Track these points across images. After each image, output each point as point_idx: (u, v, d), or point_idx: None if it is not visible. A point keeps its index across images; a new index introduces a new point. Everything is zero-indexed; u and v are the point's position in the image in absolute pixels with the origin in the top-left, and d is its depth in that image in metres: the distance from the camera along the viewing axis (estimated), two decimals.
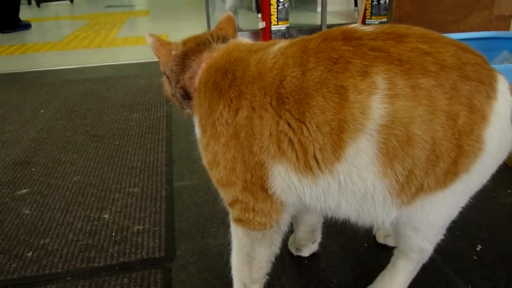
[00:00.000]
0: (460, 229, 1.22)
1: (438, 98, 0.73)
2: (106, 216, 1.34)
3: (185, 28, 4.62)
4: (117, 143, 1.87)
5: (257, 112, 0.80)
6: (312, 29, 3.49)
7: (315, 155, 0.77)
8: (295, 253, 1.15)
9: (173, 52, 0.97)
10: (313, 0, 5.23)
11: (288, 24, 3.34)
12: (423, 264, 1.07)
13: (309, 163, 0.77)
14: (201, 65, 0.93)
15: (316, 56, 0.77)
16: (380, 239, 1.19)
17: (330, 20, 3.41)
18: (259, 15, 3.28)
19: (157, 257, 1.15)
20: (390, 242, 1.16)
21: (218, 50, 0.93)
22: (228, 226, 1.26)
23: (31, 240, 1.24)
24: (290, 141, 0.78)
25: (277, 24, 3.26)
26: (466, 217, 1.26)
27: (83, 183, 1.55)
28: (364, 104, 0.73)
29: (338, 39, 0.78)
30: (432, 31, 0.81)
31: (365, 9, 3.48)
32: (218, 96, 0.84)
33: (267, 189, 0.83)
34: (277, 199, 0.84)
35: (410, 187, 0.77)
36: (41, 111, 2.32)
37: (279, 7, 3.16)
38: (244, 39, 0.98)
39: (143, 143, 1.84)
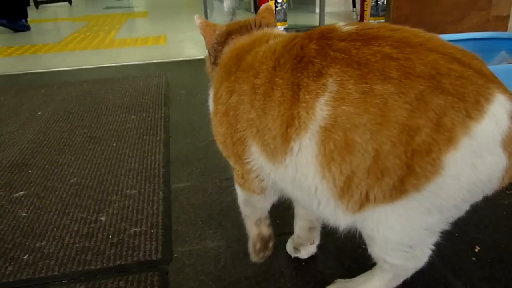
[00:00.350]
0: (458, 230, 1.21)
1: (395, 108, 0.68)
2: (103, 218, 1.34)
3: (184, 29, 4.62)
4: (114, 144, 1.86)
5: (241, 97, 0.86)
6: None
7: (269, 144, 0.82)
8: (293, 254, 1.14)
9: (217, 32, 1.04)
10: (312, 1, 5.23)
11: (286, 25, 3.34)
12: (422, 266, 1.07)
13: (269, 149, 0.83)
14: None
15: (288, 53, 0.80)
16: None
17: (328, 21, 3.41)
18: None
19: (154, 259, 1.14)
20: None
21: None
22: (226, 229, 1.26)
23: (27, 243, 1.24)
24: (256, 127, 0.83)
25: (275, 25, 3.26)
26: (464, 219, 1.25)
27: (80, 185, 1.54)
28: (310, 104, 0.74)
29: (314, 38, 0.79)
30: (425, 35, 0.76)
31: (363, 10, 3.48)
32: (227, 74, 0.93)
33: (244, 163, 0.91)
34: (256, 176, 0.92)
35: (352, 194, 0.75)
36: (39, 113, 2.31)
37: (277, 8, 3.17)
38: (276, 29, 1.05)
39: (140, 145, 1.84)
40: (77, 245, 1.22)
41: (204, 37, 1.07)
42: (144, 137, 1.92)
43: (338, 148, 0.72)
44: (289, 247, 1.15)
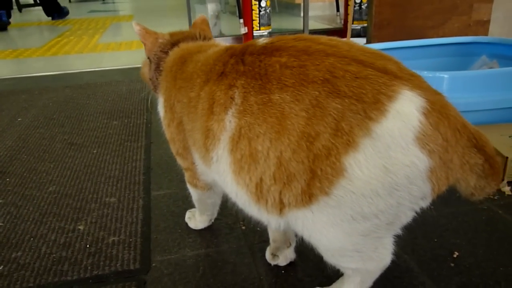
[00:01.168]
0: (438, 235, 1.22)
1: (292, 116, 0.70)
2: (81, 227, 1.32)
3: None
4: (95, 151, 1.84)
5: (182, 109, 0.96)
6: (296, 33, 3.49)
7: (200, 152, 0.90)
8: (272, 262, 1.13)
9: (160, 40, 1.11)
10: (297, 5, 5.25)
11: (270, 30, 3.35)
12: (400, 272, 1.08)
13: (202, 155, 0.90)
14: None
15: (214, 68, 0.85)
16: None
17: (312, 25, 3.42)
18: (241, 20, 3.28)
19: (132, 269, 1.13)
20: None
21: None
22: (205, 237, 1.25)
23: (2, 254, 1.21)
24: (191, 137, 0.93)
25: (259, 30, 3.26)
26: (443, 224, 1.27)
27: (59, 193, 1.52)
28: (220, 117, 0.79)
29: (235, 54, 0.83)
30: (332, 41, 0.76)
31: (347, 14, 3.50)
32: (173, 80, 1.01)
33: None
34: (202, 177, 1.07)
35: (266, 199, 0.78)
36: (19, 119, 2.28)
37: (261, 13, 3.17)
38: (220, 42, 1.10)
39: (121, 151, 1.82)
40: (54, 255, 1.19)
41: (144, 44, 1.13)
42: (126, 143, 1.90)
43: (244, 157, 0.77)
44: (268, 254, 1.14)
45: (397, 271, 1.09)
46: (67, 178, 1.62)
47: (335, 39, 0.78)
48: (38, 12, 7.71)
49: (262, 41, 0.83)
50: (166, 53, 1.09)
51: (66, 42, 4.57)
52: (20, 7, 7.70)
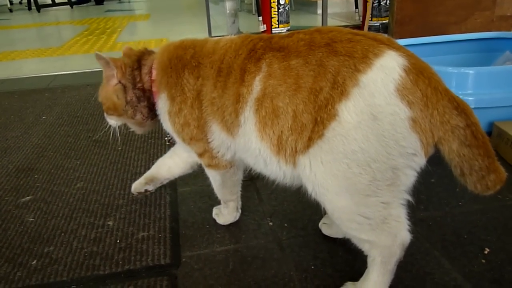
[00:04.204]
0: (467, 232, 1.21)
1: (303, 75, 0.87)
2: (111, 223, 1.34)
3: (185, 32, 4.62)
4: (120, 148, 1.86)
5: (205, 80, 1.05)
6: None
7: (227, 119, 1.01)
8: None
9: (126, 61, 1.18)
10: (313, 3, 5.23)
11: (289, 27, 3.34)
12: (431, 268, 1.07)
13: (226, 124, 1.02)
14: (153, 62, 1.16)
15: (245, 47, 1.00)
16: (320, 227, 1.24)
17: (330, 22, 3.41)
18: (260, 18, 3.28)
19: (163, 264, 1.14)
20: (326, 231, 1.22)
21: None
22: (233, 233, 1.26)
23: (35, 248, 1.24)
24: (217, 105, 1.02)
25: (278, 27, 3.26)
26: (472, 220, 1.26)
27: (87, 189, 1.54)
28: (250, 82, 0.94)
29: (263, 38, 1.00)
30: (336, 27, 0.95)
31: (365, 11, 3.48)
32: (183, 66, 1.09)
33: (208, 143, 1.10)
34: (220, 152, 1.11)
35: (285, 149, 0.92)
36: (43, 117, 2.31)
37: (279, 10, 3.17)
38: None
39: (146, 148, 1.84)
40: (85, 250, 1.22)
41: (115, 70, 1.17)
42: (149, 140, 1.92)
43: (268, 114, 0.92)
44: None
45: (428, 267, 1.08)
46: (94, 174, 1.64)
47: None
48: (56, 12, 7.82)
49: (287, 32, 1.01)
50: (139, 69, 1.18)
51: (85, 41, 4.62)
52: (39, 8, 7.81)
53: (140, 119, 1.22)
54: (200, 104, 1.07)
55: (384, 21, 3.43)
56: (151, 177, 1.42)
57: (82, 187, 1.56)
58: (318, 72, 0.85)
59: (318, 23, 4.43)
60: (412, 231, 1.22)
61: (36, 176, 1.66)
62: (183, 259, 1.16)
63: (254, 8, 5.69)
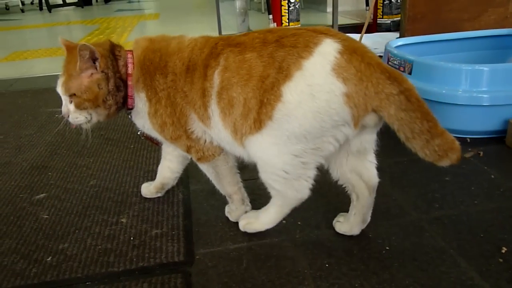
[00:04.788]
0: (483, 231, 1.19)
1: (256, 66, 1.00)
2: (124, 220, 1.34)
3: (195, 30, 4.63)
4: (132, 146, 1.87)
5: (175, 75, 1.12)
6: None
7: (198, 112, 1.11)
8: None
9: (101, 51, 1.16)
10: (323, 1, 5.21)
11: (299, 25, 3.33)
12: (446, 267, 1.06)
13: (199, 116, 1.11)
14: (128, 55, 1.19)
15: (209, 45, 1.10)
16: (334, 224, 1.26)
17: (340, 20, 3.39)
18: (270, 16, 3.27)
19: (176, 261, 1.14)
20: (339, 229, 1.23)
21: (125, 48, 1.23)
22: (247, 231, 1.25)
23: (50, 245, 1.24)
24: (189, 98, 1.11)
25: (288, 25, 3.25)
26: (488, 219, 1.24)
27: (100, 187, 1.55)
28: (212, 77, 1.06)
29: (223, 38, 1.12)
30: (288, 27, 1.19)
31: (377, 9, 3.45)
32: (154, 68, 1.15)
33: (190, 134, 1.17)
34: (205, 141, 1.18)
35: (238, 133, 1.05)
36: (56, 115, 2.32)
37: (290, 8, 3.16)
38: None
39: (158, 147, 1.83)
40: (99, 247, 1.22)
41: (100, 59, 1.15)
42: None
43: (226, 104, 1.04)
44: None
45: (444, 266, 1.07)
46: (106, 172, 1.65)
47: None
48: (67, 12, 7.88)
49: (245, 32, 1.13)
50: (113, 58, 1.18)
51: (96, 40, 4.64)
52: (50, 8, 7.87)
53: (114, 110, 1.22)
54: (173, 100, 1.14)
55: (395, 19, 3.40)
56: (160, 185, 1.44)
57: (95, 184, 1.57)
58: (268, 62, 0.99)
59: (328, 21, 4.41)
60: (427, 230, 1.21)
61: (49, 173, 1.67)
62: (197, 257, 1.16)
63: (263, 6, 5.68)
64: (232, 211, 1.31)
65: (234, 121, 1.05)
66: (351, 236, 1.20)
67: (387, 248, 1.15)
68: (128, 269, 1.13)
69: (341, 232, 1.21)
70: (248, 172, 1.27)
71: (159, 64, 1.15)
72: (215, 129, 1.11)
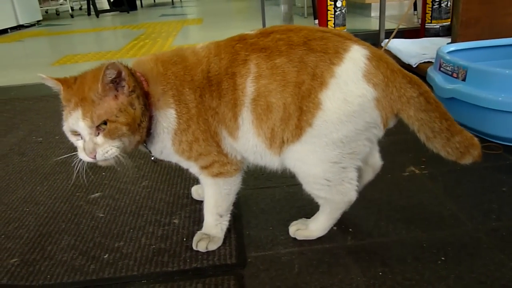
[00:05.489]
0: None
1: (289, 72, 1.01)
2: (176, 221, 1.37)
3: None
4: None
5: (202, 91, 1.08)
6: (369, 34, 3.43)
7: (228, 124, 1.09)
8: None
9: (125, 69, 1.03)
10: (367, 5, 5.15)
11: (345, 30, 3.30)
12: (508, 281, 1.03)
13: (230, 130, 1.09)
14: (138, 73, 1.09)
15: (224, 50, 1.09)
16: None
17: (387, 25, 3.33)
18: (316, 21, 3.26)
19: (229, 263, 1.16)
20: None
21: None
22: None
23: (106, 243, 1.29)
24: (218, 113, 1.08)
25: None
26: None
27: (152, 188, 1.59)
28: (243, 85, 1.04)
29: (235, 39, 1.10)
30: (302, 26, 1.11)
31: (425, 13, 3.38)
32: (181, 82, 1.09)
33: (222, 149, 1.13)
34: (231, 156, 1.15)
35: (275, 141, 1.06)
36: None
37: (336, 13, 3.14)
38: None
39: None
40: (153, 246, 1.25)
41: (128, 78, 1.03)
42: None
43: (263, 111, 1.04)
44: None
45: (504, 280, 1.03)
46: (157, 173, 1.69)
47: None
48: (114, 17, 8.14)
49: (250, 33, 1.11)
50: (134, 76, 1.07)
51: (142, 45, 4.78)
52: (98, 13, 8.16)
53: (144, 134, 1.09)
54: (205, 117, 1.09)
55: (444, 24, 3.31)
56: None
57: (147, 185, 1.61)
58: (300, 67, 1.00)
59: (373, 25, 4.35)
60: (484, 241, 1.18)
61: (103, 173, 1.73)
62: (249, 260, 1.17)
63: (306, 11, 5.68)
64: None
65: (272, 126, 1.05)
66: (404, 245, 1.18)
67: (443, 258, 1.13)
68: (182, 269, 1.15)
69: None
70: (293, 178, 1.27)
71: (185, 78, 1.09)
72: (243, 139, 1.09)
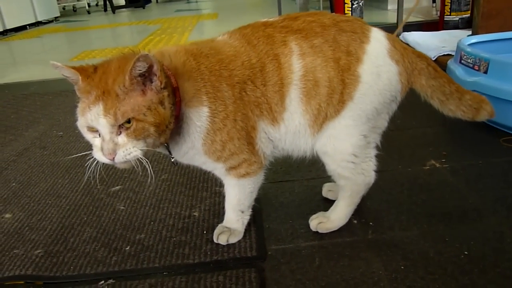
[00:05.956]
0: None
1: (326, 50, 1.06)
2: (196, 214, 1.38)
3: None
4: None
5: (243, 85, 1.06)
6: (387, 27, 3.38)
7: (274, 109, 1.08)
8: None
9: (157, 61, 0.95)
10: None
11: None
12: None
13: (274, 116, 1.09)
14: (164, 67, 0.98)
15: (255, 36, 1.09)
16: (324, 193, 1.40)
17: (405, 18, 3.28)
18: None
19: (249, 256, 1.16)
20: (331, 196, 1.37)
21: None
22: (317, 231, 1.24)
23: (127, 235, 1.30)
24: (263, 102, 1.08)
25: None
26: None
27: (171, 181, 1.60)
28: (289, 63, 1.06)
29: (261, 26, 1.11)
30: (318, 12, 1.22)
31: (444, 5, 3.33)
32: (217, 77, 1.05)
33: (254, 146, 1.11)
34: (261, 150, 1.13)
35: (319, 117, 1.09)
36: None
37: (353, 6, 3.11)
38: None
39: None
40: (174, 239, 1.26)
41: (160, 73, 0.94)
42: None
43: (312, 86, 1.07)
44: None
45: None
46: (177, 167, 1.70)
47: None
48: (129, 13, 8.19)
49: (272, 19, 1.14)
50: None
51: (158, 40, 4.81)
52: (114, 9, 8.22)
53: (169, 134, 1.01)
54: (244, 112, 1.06)
55: (464, 16, 3.26)
56: None
57: (166, 178, 1.62)
58: (335, 46, 1.06)
59: (390, 18, 4.30)
60: (508, 236, 1.16)
61: None
62: (269, 253, 1.17)
63: (321, 4, 5.63)
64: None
65: (319, 102, 1.07)
66: (426, 239, 1.17)
67: (466, 253, 1.11)
68: (203, 262, 1.16)
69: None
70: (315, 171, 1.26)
71: (222, 73, 1.04)
72: (287, 121, 1.09)
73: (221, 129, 1.05)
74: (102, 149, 0.94)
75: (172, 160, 1.14)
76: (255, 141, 1.11)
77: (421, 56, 1.15)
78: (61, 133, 2.19)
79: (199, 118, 1.03)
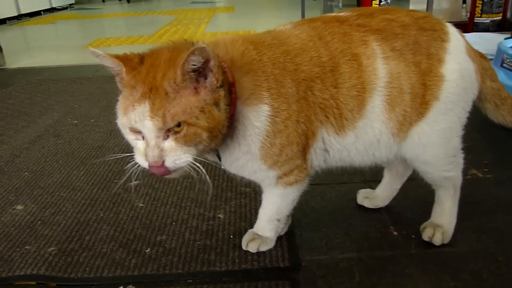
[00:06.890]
0: None
1: (407, 54, 0.97)
2: (221, 216, 1.28)
3: (271, 24, 4.54)
4: None
5: (310, 83, 0.94)
6: None
7: (345, 116, 0.96)
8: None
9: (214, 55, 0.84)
10: None
11: None
12: None
13: (343, 123, 0.97)
14: (217, 59, 0.84)
15: (329, 32, 0.97)
16: (359, 200, 1.30)
17: None
18: None
19: (282, 266, 1.06)
20: (367, 204, 1.28)
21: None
22: (354, 239, 1.15)
23: (147, 236, 1.21)
24: (331, 106, 0.95)
25: None
26: None
27: (193, 178, 1.50)
28: (374, 66, 0.95)
29: (333, 21, 1.00)
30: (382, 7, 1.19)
31: (475, 6, 3.20)
32: (281, 71, 0.91)
33: (306, 153, 0.99)
34: (309, 160, 1.01)
35: (405, 124, 0.99)
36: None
37: (381, 3, 3.00)
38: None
39: None
40: (198, 242, 1.17)
41: (216, 70, 0.82)
42: None
43: (397, 92, 0.97)
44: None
45: None
46: (199, 162, 1.60)
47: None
48: (145, 3, 8.10)
49: (344, 13, 1.03)
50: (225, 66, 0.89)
51: (174, 30, 4.71)
52: None
53: (220, 139, 0.89)
54: (308, 114, 0.93)
55: (495, 18, 3.13)
56: None
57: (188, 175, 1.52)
58: (415, 49, 0.97)
59: None
60: None
61: None
62: (303, 264, 1.07)
63: (341, 2, 5.49)
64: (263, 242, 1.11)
65: (404, 108, 0.98)
66: (476, 257, 1.06)
67: (499, 258, 1.01)
68: (231, 270, 1.06)
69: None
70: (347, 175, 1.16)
71: (287, 66, 0.91)
72: (364, 129, 0.97)
73: (281, 132, 0.91)
74: (146, 155, 0.83)
75: (222, 167, 1.01)
76: (308, 150, 0.98)
77: (483, 56, 1.09)
78: (75, 121, 2.10)
79: (258, 118, 0.89)
